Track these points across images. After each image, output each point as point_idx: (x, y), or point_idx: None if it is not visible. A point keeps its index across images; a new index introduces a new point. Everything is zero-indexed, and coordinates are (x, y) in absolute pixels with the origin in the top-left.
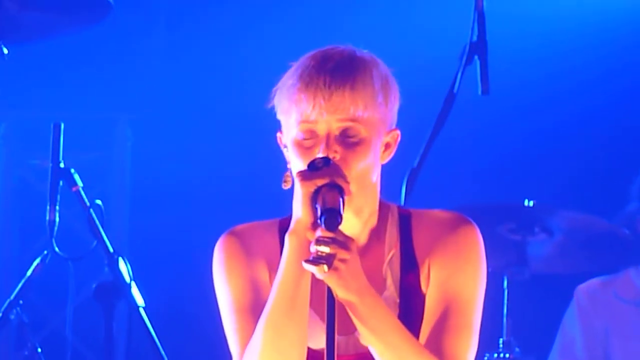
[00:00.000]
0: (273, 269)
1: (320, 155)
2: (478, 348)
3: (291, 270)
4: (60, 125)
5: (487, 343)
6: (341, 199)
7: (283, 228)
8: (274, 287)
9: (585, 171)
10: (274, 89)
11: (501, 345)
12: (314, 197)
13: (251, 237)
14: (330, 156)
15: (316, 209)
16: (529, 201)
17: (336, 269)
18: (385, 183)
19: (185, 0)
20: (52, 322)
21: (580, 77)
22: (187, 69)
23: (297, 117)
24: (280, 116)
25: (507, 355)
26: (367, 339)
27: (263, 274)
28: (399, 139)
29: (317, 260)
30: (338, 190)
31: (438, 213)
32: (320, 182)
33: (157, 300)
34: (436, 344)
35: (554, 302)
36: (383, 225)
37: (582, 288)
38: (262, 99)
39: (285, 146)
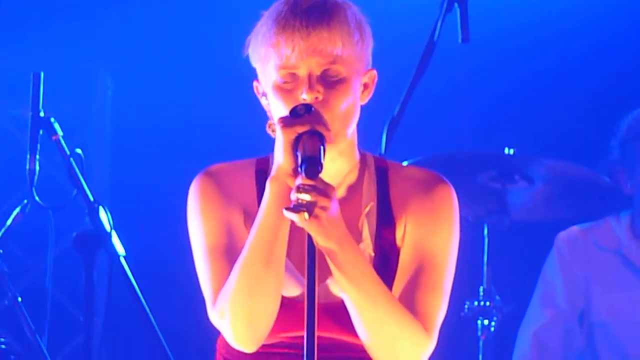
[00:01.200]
0: (248, 210)
1: (303, 97)
2: (459, 296)
3: (270, 216)
4: (40, 75)
5: (467, 291)
6: (322, 147)
7: (260, 169)
8: (252, 232)
9: (566, 119)
10: (248, 37)
11: (481, 293)
12: (295, 144)
13: (227, 177)
14: (313, 97)
15: (297, 156)
16: (509, 149)
17: (317, 217)
18: (366, 131)
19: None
20: (32, 272)
21: (561, 25)
22: (167, 19)
23: (276, 62)
24: (256, 64)
25: (488, 303)
26: (343, 287)
27: (238, 216)
28: (376, 79)
29: (297, 207)
30: (319, 137)
31: (416, 170)
32: (301, 129)
33: (138, 249)
34: (408, 301)
35: (534, 250)
36: (361, 176)
37: (563, 236)
38: (241, 49)
39: (264, 94)
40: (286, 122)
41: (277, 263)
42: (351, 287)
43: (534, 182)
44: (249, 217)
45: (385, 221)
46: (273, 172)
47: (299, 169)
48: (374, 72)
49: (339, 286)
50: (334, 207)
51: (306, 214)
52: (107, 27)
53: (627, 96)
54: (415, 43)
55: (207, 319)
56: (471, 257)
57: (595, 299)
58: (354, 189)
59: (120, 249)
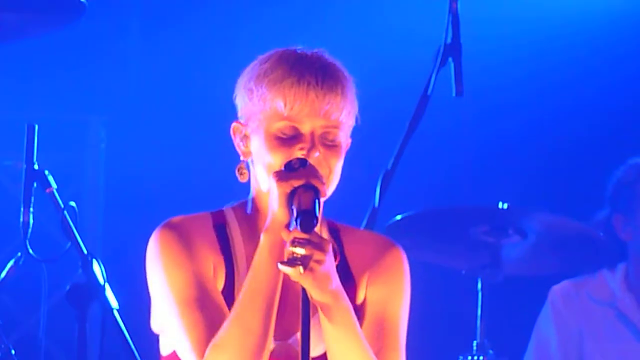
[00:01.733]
0: (214, 263)
1: (303, 153)
2: (452, 350)
3: (266, 268)
4: (34, 127)
5: (460, 345)
6: (317, 200)
7: (218, 223)
8: (246, 283)
9: (559, 173)
10: (242, 76)
11: (475, 348)
12: (290, 197)
13: (189, 229)
14: (314, 155)
15: (292, 209)
16: (502, 203)
17: (312, 270)
18: (359, 184)
19: (159, 2)
20: (26, 324)
21: (553, 79)
22: (161, 71)
23: (281, 111)
24: (248, 104)
25: (481, 358)
26: (332, 339)
27: (206, 267)
28: (349, 146)
29: (292, 261)
30: (314, 191)
31: (367, 233)
32: (296, 183)
33: (131, 303)
34: (383, 354)
35: (528, 304)
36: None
37: (556, 289)
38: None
39: (244, 137)
40: (281, 175)
41: (270, 313)
42: (339, 341)
43: (527, 236)
44: (215, 270)
45: (346, 279)
46: (268, 223)
47: (294, 222)
48: (350, 141)
49: (326, 338)
50: (328, 261)
51: (301, 268)
52: (101, 79)
53: (621, 149)
54: (410, 96)
55: None
56: (465, 311)
57: (589, 352)
58: None
59: (113, 302)
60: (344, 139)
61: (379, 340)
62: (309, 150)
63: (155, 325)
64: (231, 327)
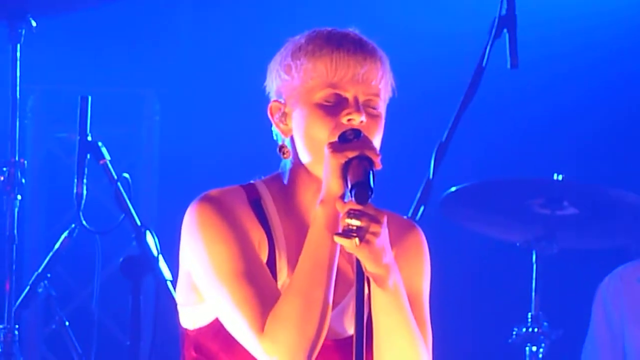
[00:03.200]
0: (255, 236)
1: (349, 118)
2: (507, 322)
3: (325, 240)
4: (87, 99)
5: (515, 317)
6: (371, 172)
7: (253, 198)
8: (305, 256)
9: (615, 145)
10: (275, 58)
11: (530, 320)
12: (345, 169)
13: (230, 201)
14: (360, 119)
15: (346, 181)
16: (557, 175)
17: (368, 242)
18: (414, 156)
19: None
20: (80, 296)
21: (609, 50)
22: (213, 43)
23: (324, 79)
24: (289, 82)
25: (536, 330)
26: (383, 312)
27: (251, 239)
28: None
29: (348, 233)
30: (368, 162)
31: (388, 213)
32: (351, 154)
33: None
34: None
35: (582, 277)
36: None
37: (605, 283)
38: None
39: (284, 114)
40: (335, 147)
41: (330, 284)
42: (390, 313)
43: (582, 208)
44: (257, 243)
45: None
46: (322, 195)
47: (349, 193)
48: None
49: (376, 311)
50: (383, 233)
51: (357, 240)
52: (155, 51)
53: None
54: (465, 68)
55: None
56: (519, 284)
57: (631, 337)
58: None
59: (167, 274)
60: (383, 111)
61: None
62: (358, 114)
63: (180, 298)
64: (292, 299)
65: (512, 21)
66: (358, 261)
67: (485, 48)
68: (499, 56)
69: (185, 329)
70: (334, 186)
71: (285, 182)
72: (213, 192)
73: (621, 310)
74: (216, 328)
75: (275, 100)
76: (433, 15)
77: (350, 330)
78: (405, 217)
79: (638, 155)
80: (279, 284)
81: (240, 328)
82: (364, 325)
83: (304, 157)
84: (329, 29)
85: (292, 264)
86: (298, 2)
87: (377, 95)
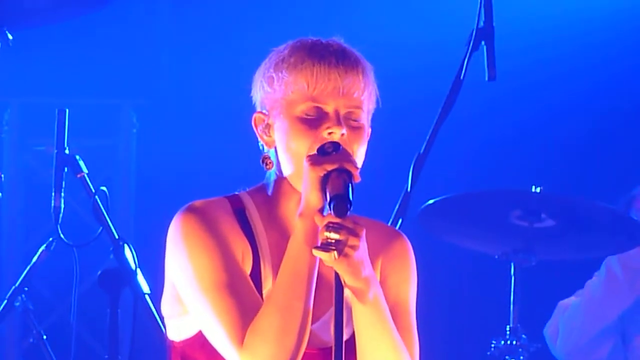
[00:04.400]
0: (237, 246)
1: (329, 132)
2: (486, 334)
3: (302, 253)
4: (65, 112)
5: (494, 330)
6: (350, 185)
7: (237, 208)
8: (284, 269)
9: (593, 157)
10: (260, 69)
11: (508, 332)
12: (323, 182)
13: (213, 212)
14: (340, 133)
15: (325, 194)
16: (536, 187)
17: (346, 256)
18: (393, 169)
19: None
20: (57, 309)
21: (588, 62)
22: (192, 55)
23: (304, 92)
24: (272, 94)
25: (514, 342)
26: (363, 325)
27: (234, 250)
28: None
29: (327, 246)
30: (347, 175)
31: (373, 221)
32: (329, 166)
33: (163, 288)
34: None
35: (561, 289)
36: None
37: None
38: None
39: (267, 126)
40: (314, 159)
41: (310, 298)
42: (371, 326)
43: (560, 220)
44: (242, 256)
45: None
46: (301, 208)
47: (328, 206)
48: (370, 130)
49: (358, 323)
50: (362, 246)
51: (335, 253)
52: (132, 63)
53: None
54: (442, 81)
55: None
56: (498, 296)
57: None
58: None
59: (145, 287)
60: (366, 122)
61: (397, 321)
62: (338, 128)
63: (166, 309)
64: (271, 312)
65: (489, 33)
66: (337, 274)
67: (463, 60)
68: (477, 68)
69: (172, 341)
70: (313, 199)
71: (270, 193)
72: (197, 202)
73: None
74: (202, 339)
75: (259, 112)
76: (411, 27)
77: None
78: (390, 226)
79: (615, 167)
80: (264, 293)
81: (220, 340)
82: (351, 335)
83: (286, 169)
84: (314, 39)
85: (277, 273)
86: (277, 14)
87: (359, 107)
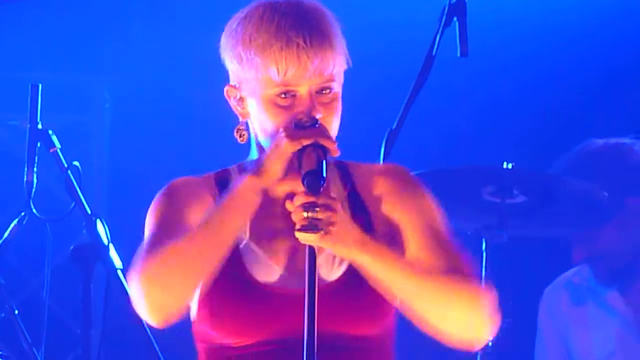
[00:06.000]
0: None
1: (300, 115)
2: None
3: (228, 213)
4: (38, 86)
5: None
6: (324, 161)
7: (219, 179)
8: (209, 215)
9: (564, 133)
10: (226, 37)
11: None
12: (297, 156)
13: (186, 189)
14: (315, 116)
15: (299, 169)
16: (507, 163)
17: (328, 233)
18: (364, 144)
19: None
20: (30, 284)
21: (559, 38)
22: (165, 30)
23: (274, 77)
24: (242, 72)
25: None
26: (384, 282)
27: (191, 219)
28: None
29: (307, 228)
30: (323, 151)
31: (372, 164)
32: (306, 141)
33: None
34: (440, 262)
35: (532, 265)
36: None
37: (546, 292)
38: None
39: (240, 99)
40: (291, 133)
41: (213, 257)
42: (389, 280)
43: (532, 196)
44: None
45: (359, 210)
46: (257, 172)
47: (302, 183)
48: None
49: (380, 283)
50: (341, 219)
51: (318, 235)
52: (106, 39)
53: (627, 108)
54: (415, 57)
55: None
56: None
57: (574, 340)
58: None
59: (117, 262)
60: (340, 85)
61: (434, 241)
62: (310, 113)
63: None
64: (176, 242)
65: (461, 9)
66: (310, 250)
67: (435, 37)
68: (449, 44)
69: (192, 321)
70: (275, 169)
71: (249, 165)
72: (176, 180)
73: (564, 317)
74: (203, 316)
75: (230, 85)
76: (384, 3)
77: (332, 276)
78: (388, 163)
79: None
80: (245, 261)
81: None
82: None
83: (262, 142)
84: (278, 4)
85: (254, 238)
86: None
87: (331, 80)
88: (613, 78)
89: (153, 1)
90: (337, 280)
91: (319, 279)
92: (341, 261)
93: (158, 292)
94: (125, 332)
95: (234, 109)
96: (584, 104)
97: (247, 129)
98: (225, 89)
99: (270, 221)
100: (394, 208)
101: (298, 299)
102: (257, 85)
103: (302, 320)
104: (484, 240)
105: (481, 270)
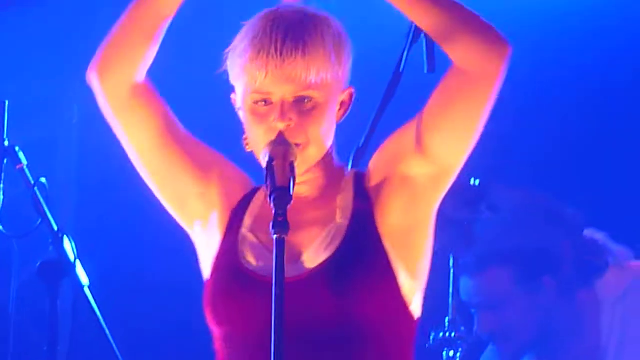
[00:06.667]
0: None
1: (273, 122)
2: (424, 326)
3: None
4: (4, 103)
5: (433, 321)
6: (292, 177)
7: (253, 187)
8: None
9: (530, 148)
10: (226, 51)
11: (447, 324)
12: (267, 169)
13: (232, 170)
14: (285, 125)
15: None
16: (474, 179)
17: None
18: None
19: None
20: None
21: (529, 53)
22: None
23: (250, 85)
24: (233, 81)
25: (453, 334)
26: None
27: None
28: (354, 95)
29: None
30: (291, 166)
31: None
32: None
33: (102, 279)
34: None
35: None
36: (335, 180)
37: None
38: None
39: (240, 108)
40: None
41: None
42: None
43: (499, 212)
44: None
45: (362, 197)
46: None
47: (269, 198)
48: (352, 89)
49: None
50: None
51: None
52: (73, 54)
53: (596, 124)
54: (382, 73)
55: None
56: (437, 288)
57: None
58: (327, 191)
59: (84, 279)
60: (326, 95)
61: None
62: (280, 121)
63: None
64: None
65: None
66: (277, 243)
67: (402, 53)
68: (417, 61)
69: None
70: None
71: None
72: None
73: None
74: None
75: (233, 92)
76: (351, 20)
77: (314, 262)
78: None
79: (553, 159)
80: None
81: None
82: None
83: (256, 153)
84: (271, 13)
85: (253, 230)
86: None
87: (311, 87)
88: (582, 99)
89: (121, 13)
90: (320, 266)
91: (301, 267)
92: (326, 247)
93: (107, 52)
94: (92, 349)
95: (240, 118)
96: (553, 119)
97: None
98: (232, 97)
99: (270, 214)
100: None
101: (289, 286)
102: (241, 94)
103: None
104: (450, 256)
105: (448, 287)
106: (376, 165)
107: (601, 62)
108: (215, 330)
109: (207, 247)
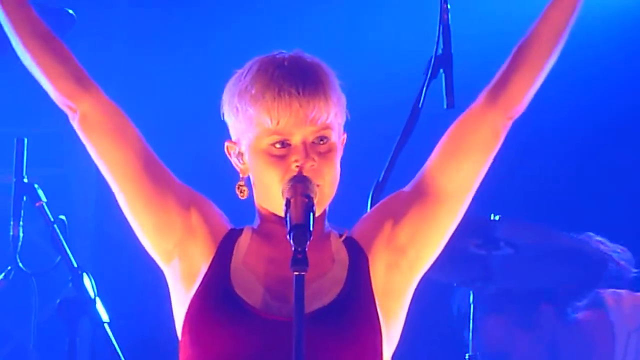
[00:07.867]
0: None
1: (294, 164)
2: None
3: None
4: (23, 140)
5: (453, 358)
6: (312, 213)
7: (233, 229)
8: None
9: (552, 185)
10: (226, 91)
11: None
12: (286, 205)
13: (209, 208)
14: (309, 165)
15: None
16: (494, 215)
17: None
18: (352, 196)
19: (146, 14)
20: (16, 338)
21: (545, 90)
22: (149, 84)
23: (268, 126)
24: (239, 125)
25: None
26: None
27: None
28: (345, 141)
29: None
30: (311, 203)
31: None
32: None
33: (122, 317)
34: None
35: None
36: (325, 228)
37: None
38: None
39: (240, 154)
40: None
41: None
42: None
43: (519, 248)
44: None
45: (357, 252)
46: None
47: (289, 235)
48: (345, 135)
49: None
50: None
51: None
52: None
53: (615, 161)
54: (401, 109)
55: None
56: (457, 324)
57: None
58: (323, 235)
59: (104, 316)
60: (337, 138)
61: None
62: (306, 161)
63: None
64: None
65: (448, 61)
66: (297, 280)
67: (421, 89)
68: (436, 97)
69: (180, 347)
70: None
71: (255, 222)
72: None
73: None
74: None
75: (230, 141)
76: (369, 55)
77: (320, 303)
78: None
79: (575, 195)
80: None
81: None
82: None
83: (262, 197)
84: (274, 58)
85: (248, 263)
86: (229, 27)
87: (327, 128)
88: (602, 133)
89: (136, 55)
90: (322, 309)
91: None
92: (328, 290)
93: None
94: None
95: (234, 166)
96: (573, 157)
97: (248, 185)
98: (226, 145)
99: (266, 249)
100: (394, 226)
101: (285, 326)
102: (253, 137)
103: (287, 350)
104: (471, 292)
105: (468, 323)
106: (370, 226)
107: (600, 102)
108: (189, 351)
109: (188, 273)
